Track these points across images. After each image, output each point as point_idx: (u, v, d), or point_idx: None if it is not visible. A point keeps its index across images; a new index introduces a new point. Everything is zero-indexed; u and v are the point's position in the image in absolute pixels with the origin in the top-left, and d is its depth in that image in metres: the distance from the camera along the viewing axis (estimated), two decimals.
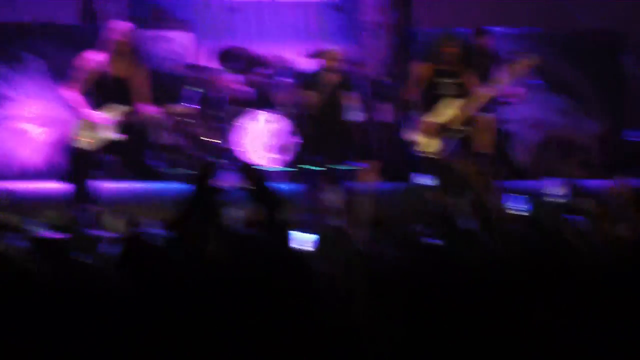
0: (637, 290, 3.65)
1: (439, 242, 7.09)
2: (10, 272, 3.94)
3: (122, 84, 9.49)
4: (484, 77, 10.00)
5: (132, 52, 9.45)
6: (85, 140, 9.44)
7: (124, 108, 9.48)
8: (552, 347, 3.44)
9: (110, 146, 9.52)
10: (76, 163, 9.64)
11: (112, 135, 9.46)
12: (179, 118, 10.13)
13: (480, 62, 10.27)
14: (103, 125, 9.41)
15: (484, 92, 9.80)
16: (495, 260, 4.16)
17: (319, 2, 13.16)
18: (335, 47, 10.35)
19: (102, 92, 9.49)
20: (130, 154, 9.71)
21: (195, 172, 4.17)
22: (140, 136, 9.77)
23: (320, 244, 6.52)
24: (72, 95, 9.35)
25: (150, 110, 9.56)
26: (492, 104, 10.06)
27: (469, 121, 9.84)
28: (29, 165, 10.65)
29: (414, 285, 3.67)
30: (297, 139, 11.10)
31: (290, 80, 11.63)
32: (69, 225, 8.99)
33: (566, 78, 11.52)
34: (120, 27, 9.45)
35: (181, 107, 9.99)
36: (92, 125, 9.41)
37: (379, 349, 3.42)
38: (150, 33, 12.01)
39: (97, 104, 9.46)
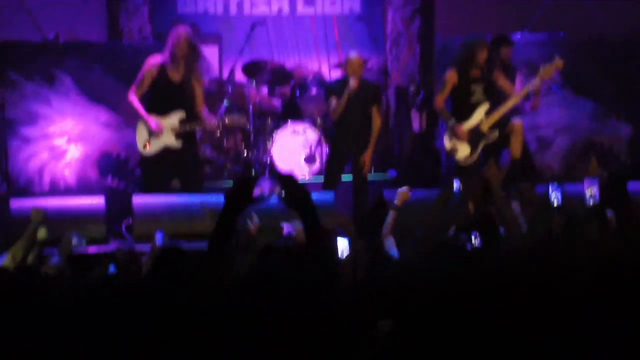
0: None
1: (469, 246, 7.12)
2: (47, 286, 3.94)
3: (178, 89, 9.64)
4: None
5: (189, 56, 9.58)
6: (143, 144, 9.63)
7: (181, 114, 9.64)
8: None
9: (165, 154, 9.69)
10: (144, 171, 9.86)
11: (169, 141, 9.64)
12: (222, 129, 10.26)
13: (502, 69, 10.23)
14: (160, 131, 9.58)
15: (512, 97, 9.80)
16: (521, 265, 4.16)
17: (341, 14, 13.17)
18: (356, 54, 10.29)
19: (160, 96, 9.66)
20: (183, 164, 9.85)
21: (232, 185, 4.16)
22: (193, 145, 9.93)
23: (352, 251, 6.57)
24: (133, 98, 9.57)
25: (208, 117, 9.73)
26: (520, 109, 10.06)
27: (498, 126, 9.85)
28: (60, 181, 10.71)
29: (443, 289, 3.67)
30: (325, 149, 11.14)
31: (315, 91, 11.65)
32: (104, 239, 9.15)
33: (591, 82, 11.46)
34: (177, 31, 9.60)
35: (232, 118, 10.05)
36: (150, 130, 9.60)
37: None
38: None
39: (156, 109, 9.64)
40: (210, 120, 9.80)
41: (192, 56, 9.64)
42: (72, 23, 11.87)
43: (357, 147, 10.24)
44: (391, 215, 7.08)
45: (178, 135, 9.67)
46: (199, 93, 9.77)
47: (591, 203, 6.80)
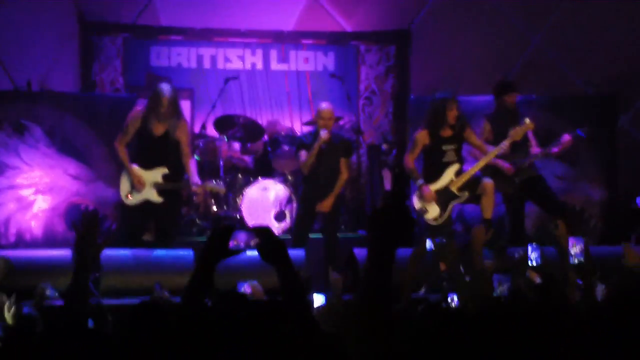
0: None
1: (440, 302, 7.04)
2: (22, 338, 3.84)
3: (162, 143, 9.54)
4: (503, 135, 9.88)
5: (171, 113, 9.48)
6: (125, 195, 9.54)
7: (164, 170, 9.53)
8: None
9: (145, 207, 9.58)
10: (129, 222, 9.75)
11: (151, 196, 9.55)
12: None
13: (503, 120, 10.10)
14: (142, 186, 9.50)
15: (487, 154, 9.70)
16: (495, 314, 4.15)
17: (315, 71, 13.16)
18: (326, 105, 10.20)
19: (143, 148, 9.58)
20: (162, 218, 9.74)
21: (208, 236, 4.06)
22: (175, 202, 9.86)
23: (327, 306, 6.48)
24: (119, 147, 9.49)
25: (193, 178, 9.61)
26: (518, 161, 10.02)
27: (468, 186, 9.75)
28: (26, 233, 10.55)
29: (415, 341, 3.63)
30: (295, 205, 11.03)
31: (287, 147, 11.58)
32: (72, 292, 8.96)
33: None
34: (162, 87, 9.50)
35: (213, 185, 9.91)
36: (133, 183, 9.51)
37: None
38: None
39: (140, 160, 9.55)
40: (194, 183, 9.68)
41: (175, 112, 9.56)
42: (45, 73, 11.81)
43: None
44: None
45: (160, 192, 9.58)
46: (184, 146, 9.66)
47: (575, 261, 6.76)
